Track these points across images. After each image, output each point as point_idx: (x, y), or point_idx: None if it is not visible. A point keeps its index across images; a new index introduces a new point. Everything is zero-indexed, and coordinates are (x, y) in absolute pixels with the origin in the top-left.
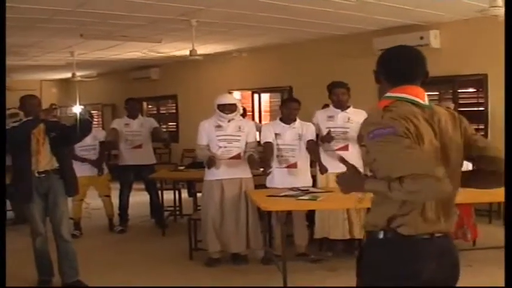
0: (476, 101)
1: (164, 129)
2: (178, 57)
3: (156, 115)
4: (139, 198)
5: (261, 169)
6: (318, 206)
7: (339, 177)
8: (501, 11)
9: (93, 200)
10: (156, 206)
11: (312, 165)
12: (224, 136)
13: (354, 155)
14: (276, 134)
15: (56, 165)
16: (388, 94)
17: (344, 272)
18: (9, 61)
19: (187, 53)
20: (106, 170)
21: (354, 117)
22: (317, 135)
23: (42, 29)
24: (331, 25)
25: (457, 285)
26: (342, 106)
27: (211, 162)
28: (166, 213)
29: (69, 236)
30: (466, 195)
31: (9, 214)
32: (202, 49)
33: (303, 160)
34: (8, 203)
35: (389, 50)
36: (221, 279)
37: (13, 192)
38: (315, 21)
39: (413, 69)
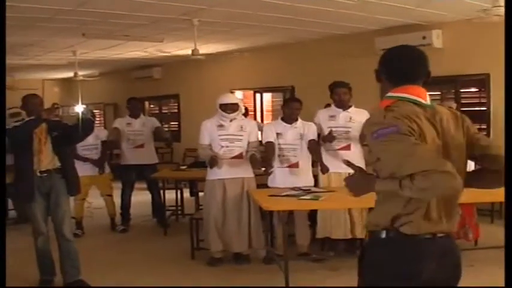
0: (478, 101)
1: (166, 129)
2: (180, 56)
3: (158, 114)
4: (141, 198)
5: (263, 169)
6: (319, 205)
7: (348, 180)
8: (504, 11)
9: (95, 200)
10: (158, 205)
11: (313, 165)
12: (226, 136)
13: (356, 155)
14: (278, 134)
15: (58, 164)
16: (390, 94)
17: (346, 272)
18: (11, 60)
19: (189, 52)
20: (108, 170)
21: (355, 117)
22: (318, 135)
23: (44, 28)
24: (332, 25)
25: (459, 285)
26: (343, 106)
27: (213, 161)
28: (168, 213)
29: (71, 235)
30: (468, 195)
31: (12, 213)
32: (204, 48)
33: (305, 160)
34: (10, 202)
35: (391, 49)
36: (223, 279)
37: (15, 191)
38: (317, 20)
39: (415, 69)
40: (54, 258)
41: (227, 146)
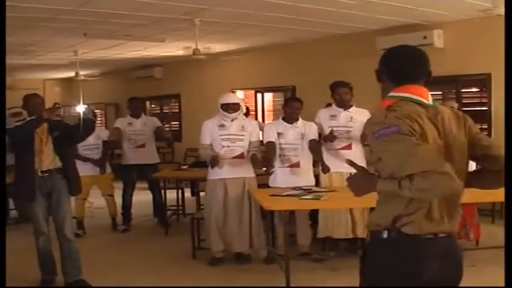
0: (479, 101)
1: (167, 129)
2: (181, 56)
3: (159, 114)
4: (142, 198)
5: (264, 168)
6: (321, 205)
7: (350, 180)
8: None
9: (96, 199)
10: (159, 205)
11: (314, 164)
12: (227, 135)
13: (357, 154)
14: (279, 134)
15: (59, 164)
16: (391, 94)
17: (346, 272)
18: (12, 60)
19: (191, 52)
20: (109, 169)
21: (356, 117)
22: (319, 135)
23: (45, 28)
24: (334, 24)
25: (460, 285)
26: (344, 105)
27: (215, 161)
28: (169, 213)
29: (72, 235)
30: (469, 195)
31: (13, 213)
32: (206, 48)
33: (306, 159)
34: (11, 202)
35: (392, 49)
36: (224, 279)
37: (16, 191)
38: (318, 20)
39: (416, 69)
40: (56, 258)
41: (228, 146)
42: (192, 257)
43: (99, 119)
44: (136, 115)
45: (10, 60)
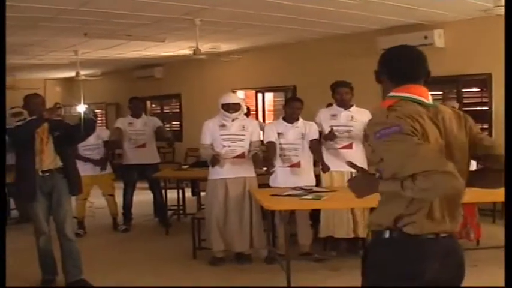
0: (480, 101)
1: (168, 129)
2: (182, 56)
3: (160, 114)
4: (143, 197)
5: (265, 168)
6: (321, 205)
7: (351, 181)
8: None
9: (97, 199)
10: (159, 205)
11: (315, 164)
12: (228, 135)
13: (357, 154)
14: (279, 134)
15: (59, 164)
16: (392, 94)
17: (347, 272)
18: (13, 60)
19: (191, 52)
20: (109, 169)
21: (357, 116)
22: (320, 134)
23: (46, 28)
24: (334, 24)
25: (461, 285)
26: (345, 105)
27: (215, 160)
28: (170, 212)
29: (73, 235)
30: (470, 195)
31: (14, 213)
32: (206, 48)
33: (306, 159)
34: (12, 201)
35: (390, 49)
36: (225, 279)
37: (17, 191)
38: (319, 20)
39: (415, 68)
40: (56, 258)
41: (229, 146)
42: (193, 256)
43: (99, 119)
44: (137, 115)
45: (11, 60)
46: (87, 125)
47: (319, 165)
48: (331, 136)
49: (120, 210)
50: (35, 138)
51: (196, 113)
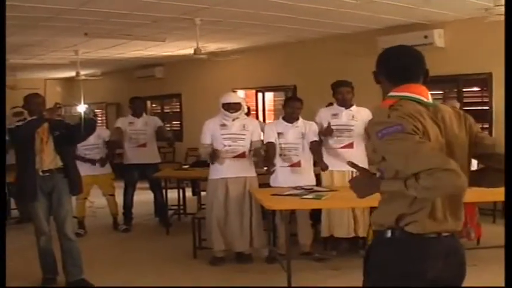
0: (480, 100)
1: (168, 128)
2: (182, 56)
3: (160, 114)
4: (143, 197)
5: (265, 168)
6: (322, 204)
7: (352, 182)
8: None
9: (97, 199)
10: (160, 204)
11: (315, 164)
12: (229, 135)
13: (359, 153)
14: (279, 133)
15: (60, 164)
16: (392, 93)
17: (348, 271)
18: (14, 60)
19: (192, 51)
20: (109, 169)
21: (358, 115)
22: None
23: (46, 28)
24: (335, 24)
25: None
26: (346, 105)
27: (215, 155)
28: (170, 212)
29: (74, 234)
30: (470, 194)
31: (14, 213)
32: (207, 48)
33: (306, 159)
34: (12, 201)
35: (388, 49)
36: (225, 278)
37: (17, 190)
38: (319, 20)
39: (413, 68)
40: (57, 258)
41: (230, 145)
42: (193, 256)
43: (100, 118)
44: (137, 114)
45: (11, 59)
46: (88, 125)
47: (319, 164)
48: (329, 131)
49: (120, 210)
50: (35, 138)
51: (197, 112)
